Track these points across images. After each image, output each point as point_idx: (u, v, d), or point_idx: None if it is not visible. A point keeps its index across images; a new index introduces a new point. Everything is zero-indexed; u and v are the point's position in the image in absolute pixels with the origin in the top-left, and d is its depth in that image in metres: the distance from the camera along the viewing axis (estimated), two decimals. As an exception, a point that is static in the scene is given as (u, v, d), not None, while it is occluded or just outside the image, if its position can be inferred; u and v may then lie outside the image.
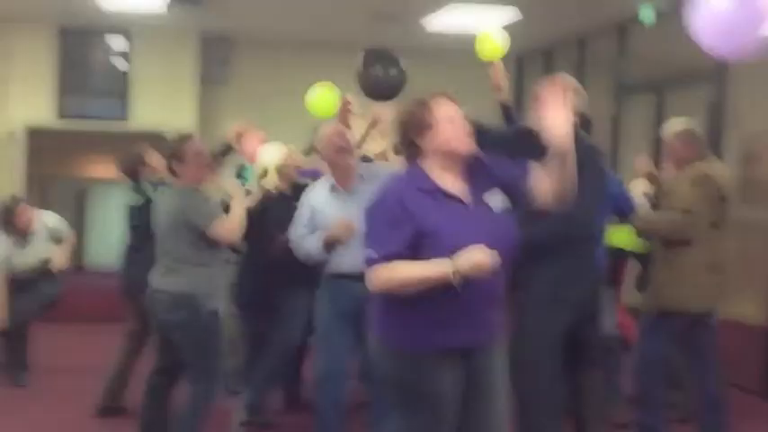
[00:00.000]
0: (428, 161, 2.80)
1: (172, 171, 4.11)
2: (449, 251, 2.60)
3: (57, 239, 5.94)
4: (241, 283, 4.96)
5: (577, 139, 3.81)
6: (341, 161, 4.27)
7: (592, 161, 3.83)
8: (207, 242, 4.00)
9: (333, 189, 4.29)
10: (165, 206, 4.15)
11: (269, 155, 4.87)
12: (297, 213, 4.39)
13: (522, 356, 3.71)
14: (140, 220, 4.76)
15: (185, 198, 4.03)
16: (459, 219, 2.72)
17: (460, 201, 2.78)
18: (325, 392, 4.23)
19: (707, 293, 4.33)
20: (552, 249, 3.79)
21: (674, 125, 4.51)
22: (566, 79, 4.11)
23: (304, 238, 4.30)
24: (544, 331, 3.81)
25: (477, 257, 2.56)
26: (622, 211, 4.52)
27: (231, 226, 4.04)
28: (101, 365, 5.37)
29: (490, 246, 2.60)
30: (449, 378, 2.72)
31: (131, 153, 5.20)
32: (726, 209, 4.32)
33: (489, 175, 2.86)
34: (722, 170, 4.45)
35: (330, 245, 4.13)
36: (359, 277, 3.65)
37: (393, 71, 4.77)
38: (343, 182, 4.28)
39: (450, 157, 2.78)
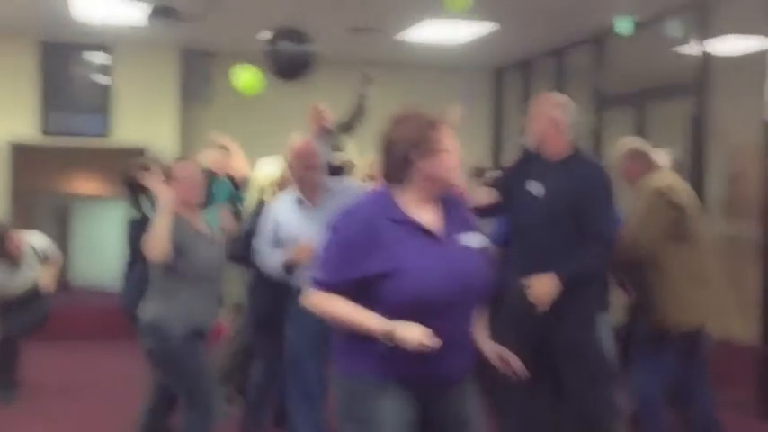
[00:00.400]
0: (411, 187, 2.66)
1: None
2: (415, 287, 2.53)
3: (44, 260, 5.91)
4: (252, 301, 4.83)
5: (586, 161, 3.92)
6: (308, 177, 4.24)
7: (602, 184, 3.87)
8: (168, 266, 3.79)
9: (299, 202, 4.26)
10: None
11: (267, 169, 4.84)
12: (261, 225, 4.37)
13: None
14: (137, 237, 4.52)
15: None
16: (429, 255, 2.59)
17: (434, 236, 2.64)
18: (302, 416, 4.21)
19: (690, 309, 4.26)
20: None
21: (622, 145, 4.63)
22: (553, 97, 4.10)
23: (267, 253, 4.27)
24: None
25: (416, 337, 2.46)
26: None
27: (151, 243, 3.74)
28: (86, 384, 5.33)
29: (460, 284, 2.58)
30: (391, 409, 2.59)
31: (133, 166, 5.06)
32: (687, 220, 4.27)
33: (467, 218, 2.78)
34: (676, 181, 4.43)
35: (290, 267, 4.12)
36: None
37: (303, 48, 4.70)
38: (310, 196, 4.25)
39: (439, 187, 2.66)
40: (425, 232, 2.62)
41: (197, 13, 6.73)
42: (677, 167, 5.31)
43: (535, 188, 3.94)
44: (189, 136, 8.81)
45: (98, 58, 8.61)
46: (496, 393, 4.14)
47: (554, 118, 3.93)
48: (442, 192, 2.69)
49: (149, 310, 3.87)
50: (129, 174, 5.05)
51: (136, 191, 4.98)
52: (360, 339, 2.57)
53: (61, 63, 8.48)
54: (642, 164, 4.44)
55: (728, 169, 6.80)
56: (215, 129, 9.02)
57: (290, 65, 4.55)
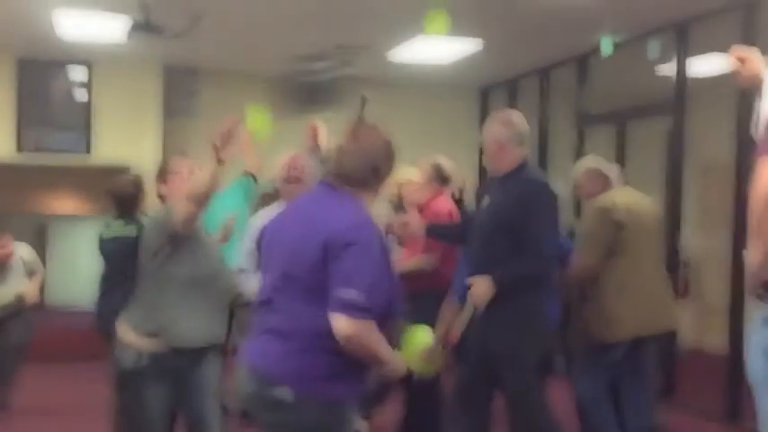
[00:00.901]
0: (367, 198, 2.66)
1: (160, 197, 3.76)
2: (394, 297, 2.56)
3: (30, 273, 5.85)
4: None
5: (523, 178, 3.98)
6: (289, 190, 4.25)
7: (538, 201, 3.92)
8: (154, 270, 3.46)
9: None
10: None
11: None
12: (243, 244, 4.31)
13: None
14: (127, 255, 4.09)
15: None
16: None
17: None
18: None
19: (617, 323, 4.42)
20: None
21: (582, 163, 4.83)
22: (498, 115, 4.17)
23: (245, 275, 4.17)
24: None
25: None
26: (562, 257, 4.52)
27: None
28: (62, 406, 5.28)
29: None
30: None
31: (128, 181, 4.80)
32: (626, 235, 4.44)
33: None
34: (626, 197, 4.60)
35: None
36: None
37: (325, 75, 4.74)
38: None
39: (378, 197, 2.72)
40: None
41: (179, 28, 6.73)
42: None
43: (485, 204, 4.10)
44: (172, 153, 8.76)
45: (78, 74, 8.59)
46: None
47: (496, 136, 3.99)
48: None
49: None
50: (120, 189, 4.77)
51: (128, 207, 4.72)
52: (345, 366, 2.51)
53: (40, 80, 8.45)
54: (599, 183, 4.62)
55: (702, 185, 6.86)
56: (199, 145, 9.04)
57: (317, 91, 4.65)
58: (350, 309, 2.41)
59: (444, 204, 5.13)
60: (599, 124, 7.95)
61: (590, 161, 4.84)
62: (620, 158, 7.54)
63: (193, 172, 3.69)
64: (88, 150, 8.48)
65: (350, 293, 2.41)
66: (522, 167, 4.00)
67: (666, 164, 6.92)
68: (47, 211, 8.69)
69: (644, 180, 8.14)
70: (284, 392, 2.46)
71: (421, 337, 2.86)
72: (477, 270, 3.97)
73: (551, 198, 3.96)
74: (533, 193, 3.91)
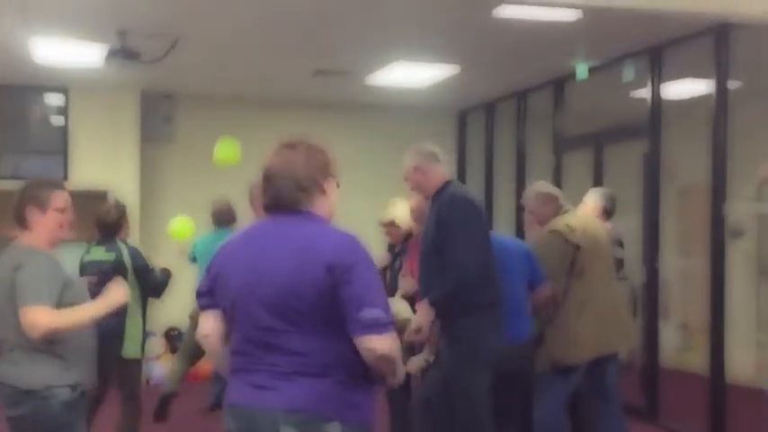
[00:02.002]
0: (323, 207, 2.59)
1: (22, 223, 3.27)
2: None
3: None
4: None
5: (444, 196, 4.10)
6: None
7: (454, 215, 4.03)
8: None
9: None
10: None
11: None
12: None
13: None
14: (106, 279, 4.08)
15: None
16: None
17: None
18: None
19: (577, 343, 4.46)
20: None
21: (531, 189, 4.86)
22: (411, 149, 4.28)
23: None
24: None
25: None
26: (532, 283, 4.55)
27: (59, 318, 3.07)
28: None
29: None
30: None
31: (112, 208, 5.11)
32: (582, 256, 4.48)
33: None
34: (579, 220, 4.66)
35: None
36: None
37: None
38: None
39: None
40: None
41: (156, 54, 6.74)
42: (608, 206, 5.63)
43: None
44: (149, 177, 8.76)
45: (55, 100, 8.56)
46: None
47: (414, 163, 4.20)
48: None
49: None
50: (104, 215, 5.06)
51: (110, 233, 5.00)
52: (368, 386, 2.52)
53: (16, 105, 8.40)
54: (551, 207, 4.65)
55: (679, 207, 6.93)
56: (177, 171, 9.04)
57: None
58: (378, 327, 2.42)
59: None
60: (576, 147, 8.02)
61: (540, 186, 4.88)
62: (598, 181, 7.59)
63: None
64: (66, 176, 8.44)
65: (373, 312, 2.41)
66: (446, 185, 4.18)
67: (644, 186, 6.99)
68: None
69: (622, 202, 8.20)
70: (335, 428, 2.45)
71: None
72: (423, 295, 4.15)
73: (468, 211, 4.06)
74: (449, 209, 4.05)
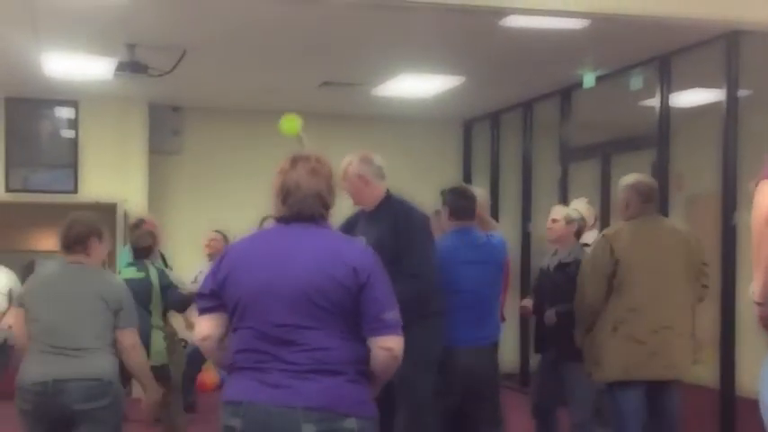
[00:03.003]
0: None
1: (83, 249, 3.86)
2: None
3: (10, 300, 5.89)
4: None
5: (394, 205, 4.19)
6: None
7: (419, 225, 4.14)
8: None
9: None
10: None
11: None
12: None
13: None
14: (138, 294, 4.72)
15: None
16: None
17: None
18: None
19: (615, 363, 4.34)
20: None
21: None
22: (355, 156, 4.33)
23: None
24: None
25: None
26: None
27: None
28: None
29: None
30: None
31: (147, 233, 5.75)
32: (620, 268, 4.33)
33: None
34: (621, 230, 4.50)
35: None
36: None
37: None
38: None
39: None
40: None
41: (164, 67, 6.76)
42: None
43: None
44: (157, 189, 8.77)
45: (65, 113, 8.59)
46: None
47: (360, 171, 4.24)
48: None
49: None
50: (138, 240, 5.71)
51: (142, 255, 5.60)
52: (369, 384, 2.66)
53: (27, 119, 8.44)
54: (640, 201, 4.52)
55: (687, 217, 6.89)
56: (185, 183, 9.06)
57: None
58: (398, 329, 2.62)
59: None
60: (583, 157, 8.00)
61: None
62: (605, 191, 7.59)
63: None
64: (75, 188, 8.46)
65: (393, 314, 2.61)
66: (389, 197, 4.26)
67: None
68: (34, 248, 8.64)
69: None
70: (351, 423, 2.56)
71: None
72: None
73: (425, 222, 4.20)
74: (407, 219, 4.14)
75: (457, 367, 4.30)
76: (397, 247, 4.03)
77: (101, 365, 3.67)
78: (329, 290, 2.55)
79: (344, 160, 4.29)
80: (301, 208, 2.65)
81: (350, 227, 4.28)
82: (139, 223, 6.26)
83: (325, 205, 2.69)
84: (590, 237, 5.64)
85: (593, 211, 5.80)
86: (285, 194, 2.66)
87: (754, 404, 3.32)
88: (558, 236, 5.02)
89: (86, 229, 3.84)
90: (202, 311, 2.73)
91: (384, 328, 2.58)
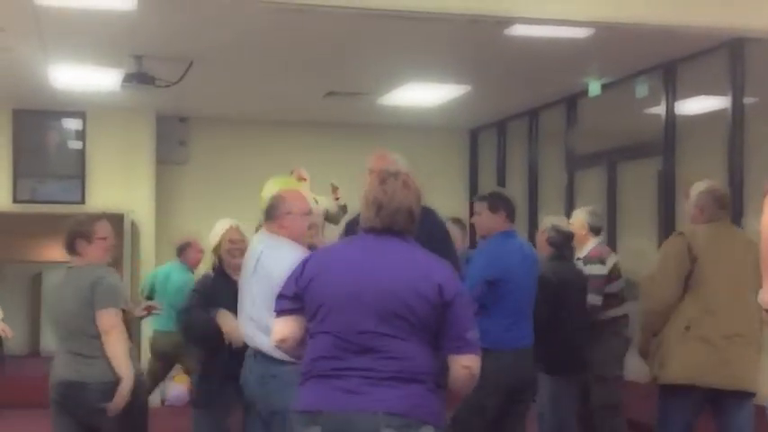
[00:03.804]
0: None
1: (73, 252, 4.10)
2: None
3: None
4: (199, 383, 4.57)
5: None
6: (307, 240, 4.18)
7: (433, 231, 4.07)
8: None
9: None
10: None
11: (213, 232, 4.63)
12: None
13: None
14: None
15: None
16: None
17: None
18: None
19: (694, 362, 4.17)
20: None
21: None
22: (383, 155, 4.40)
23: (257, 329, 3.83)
24: None
25: None
26: None
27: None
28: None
29: None
30: None
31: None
32: (698, 267, 4.20)
33: None
34: (696, 230, 4.36)
35: None
36: None
37: None
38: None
39: None
40: None
41: (171, 78, 6.79)
42: (594, 223, 5.65)
43: None
44: (164, 199, 8.80)
45: (72, 124, 8.64)
46: None
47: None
48: None
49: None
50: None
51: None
52: (442, 392, 2.73)
53: (35, 130, 8.48)
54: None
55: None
56: (192, 193, 9.08)
57: None
58: (477, 347, 2.70)
59: None
60: (589, 165, 8.00)
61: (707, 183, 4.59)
62: (612, 199, 7.58)
63: None
64: (83, 199, 8.50)
65: (473, 333, 2.69)
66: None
67: (658, 203, 6.96)
68: (42, 259, 8.67)
69: (636, 220, 8.17)
70: (429, 430, 2.63)
71: None
72: None
73: (446, 230, 4.23)
74: (429, 228, 4.01)
75: (505, 368, 4.31)
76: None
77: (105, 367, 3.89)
78: (414, 304, 2.61)
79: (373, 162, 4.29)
80: (393, 221, 2.73)
81: (350, 229, 4.19)
82: (185, 246, 6.77)
83: (414, 220, 2.77)
84: (587, 248, 5.64)
85: (591, 219, 5.75)
86: (378, 207, 2.72)
87: (760, 410, 3.32)
88: (539, 248, 5.24)
89: (71, 233, 4.05)
90: (281, 313, 2.78)
91: (465, 347, 2.66)
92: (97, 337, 3.88)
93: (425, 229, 4.05)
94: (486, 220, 4.63)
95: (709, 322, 4.18)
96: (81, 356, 3.91)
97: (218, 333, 4.20)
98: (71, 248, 4.04)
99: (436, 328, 2.64)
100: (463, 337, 2.65)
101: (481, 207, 4.67)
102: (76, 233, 4.04)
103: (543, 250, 5.22)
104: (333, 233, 5.19)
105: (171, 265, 6.95)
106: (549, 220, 5.52)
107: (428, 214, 4.12)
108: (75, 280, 3.99)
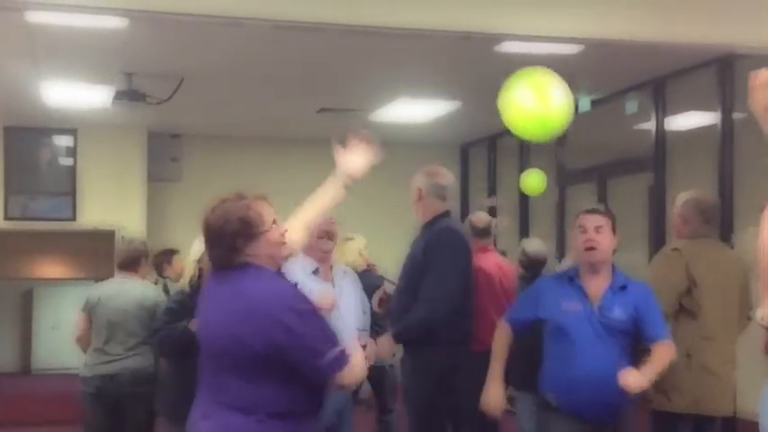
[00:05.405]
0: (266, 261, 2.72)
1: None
2: None
3: None
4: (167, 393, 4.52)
5: (438, 227, 4.09)
6: (322, 246, 4.16)
7: (446, 250, 4.02)
8: None
9: (316, 273, 4.13)
10: None
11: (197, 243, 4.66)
12: None
13: None
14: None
15: None
16: None
17: None
18: None
19: (699, 392, 3.97)
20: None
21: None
22: (425, 168, 4.31)
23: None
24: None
25: None
26: None
27: None
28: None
29: None
30: None
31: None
32: (697, 291, 3.96)
33: None
34: (689, 247, 4.06)
35: None
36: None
37: None
38: (325, 270, 4.19)
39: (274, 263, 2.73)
40: None
41: (162, 95, 6.80)
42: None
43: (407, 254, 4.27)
44: (156, 216, 8.79)
45: (64, 140, 8.63)
46: None
47: (418, 184, 4.19)
48: (277, 266, 2.69)
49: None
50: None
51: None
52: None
53: (26, 147, 8.48)
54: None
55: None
56: (184, 210, 9.07)
57: None
58: None
59: (492, 259, 5.09)
60: (579, 180, 8.03)
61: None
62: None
63: None
64: (74, 216, 8.48)
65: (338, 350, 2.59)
66: (440, 218, 4.13)
67: (649, 219, 6.99)
68: (33, 276, 8.66)
69: (627, 235, 8.14)
70: None
71: None
72: (393, 321, 4.15)
73: (455, 247, 4.05)
74: (437, 242, 4.01)
75: None
76: (424, 267, 4.00)
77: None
78: None
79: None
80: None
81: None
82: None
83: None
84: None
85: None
86: None
87: (753, 425, 3.32)
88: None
89: (137, 253, 5.06)
90: None
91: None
92: None
93: (426, 239, 4.11)
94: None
95: (708, 349, 3.99)
96: None
97: (195, 341, 4.16)
98: (134, 265, 5.00)
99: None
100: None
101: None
102: (143, 253, 5.06)
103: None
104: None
105: None
106: (523, 242, 5.54)
107: (439, 224, 4.14)
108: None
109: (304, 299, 2.56)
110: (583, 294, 3.56)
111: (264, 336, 2.45)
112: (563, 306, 3.55)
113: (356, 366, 2.53)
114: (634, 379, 3.32)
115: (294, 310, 2.48)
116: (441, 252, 4.01)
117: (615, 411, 3.53)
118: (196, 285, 4.33)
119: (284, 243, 2.66)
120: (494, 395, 3.66)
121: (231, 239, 2.57)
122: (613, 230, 3.67)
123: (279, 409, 2.50)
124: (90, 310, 4.83)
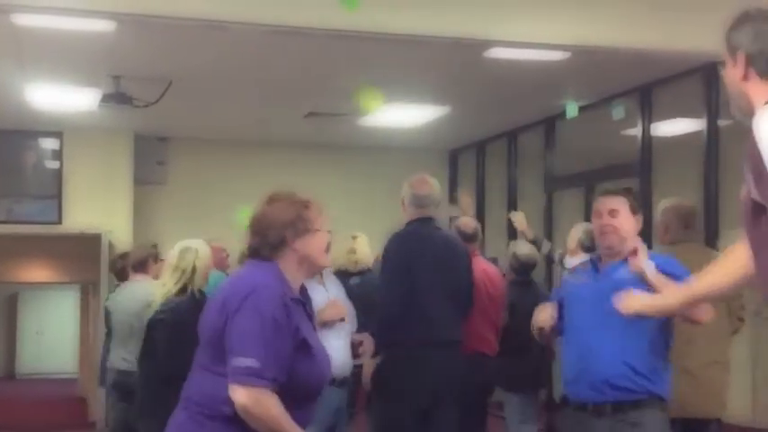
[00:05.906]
0: (285, 267, 2.54)
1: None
2: (320, 370, 2.50)
3: None
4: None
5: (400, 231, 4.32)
6: None
7: (386, 255, 4.31)
8: None
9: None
10: None
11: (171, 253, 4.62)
12: None
13: None
14: None
15: None
16: (317, 339, 2.57)
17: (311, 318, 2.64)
18: None
19: (681, 396, 3.81)
20: None
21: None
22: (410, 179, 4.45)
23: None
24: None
25: None
26: None
27: None
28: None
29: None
30: None
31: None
32: None
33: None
34: (679, 252, 4.00)
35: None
36: (340, 382, 3.62)
37: None
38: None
39: (308, 268, 2.60)
40: (309, 315, 2.59)
41: (149, 98, 6.78)
42: (586, 241, 5.33)
43: None
44: (142, 220, 8.76)
45: (49, 143, 8.59)
46: None
47: (401, 197, 4.40)
48: (311, 273, 2.67)
49: None
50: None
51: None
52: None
53: (11, 149, 8.43)
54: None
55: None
56: (170, 213, 9.05)
57: None
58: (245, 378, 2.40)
59: (479, 265, 5.08)
60: (567, 186, 8.06)
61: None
62: (589, 219, 7.60)
63: None
64: (60, 219, 8.43)
65: (243, 361, 2.38)
66: (409, 224, 4.34)
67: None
68: (18, 280, 8.61)
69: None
70: None
71: None
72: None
73: (392, 252, 4.29)
74: (384, 248, 4.34)
75: None
76: None
77: None
78: None
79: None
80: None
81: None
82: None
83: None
84: (573, 261, 5.63)
85: (584, 237, 5.66)
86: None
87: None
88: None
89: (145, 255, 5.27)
90: None
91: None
92: None
93: None
94: None
95: (690, 353, 3.95)
96: None
97: None
98: (143, 266, 5.19)
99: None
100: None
101: None
102: (151, 255, 5.22)
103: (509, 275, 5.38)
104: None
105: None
106: (513, 245, 5.57)
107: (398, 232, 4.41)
108: None
109: (276, 307, 2.38)
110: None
111: (219, 319, 2.38)
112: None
113: (265, 404, 2.31)
114: (629, 300, 3.01)
115: (252, 305, 2.36)
116: (383, 258, 4.33)
117: (603, 391, 3.20)
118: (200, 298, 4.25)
119: (327, 251, 2.62)
120: (544, 310, 3.42)
121: (283, 229, 2.50)
122: (633, 211, 3.46)
123: (221, 409, 2.35)
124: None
